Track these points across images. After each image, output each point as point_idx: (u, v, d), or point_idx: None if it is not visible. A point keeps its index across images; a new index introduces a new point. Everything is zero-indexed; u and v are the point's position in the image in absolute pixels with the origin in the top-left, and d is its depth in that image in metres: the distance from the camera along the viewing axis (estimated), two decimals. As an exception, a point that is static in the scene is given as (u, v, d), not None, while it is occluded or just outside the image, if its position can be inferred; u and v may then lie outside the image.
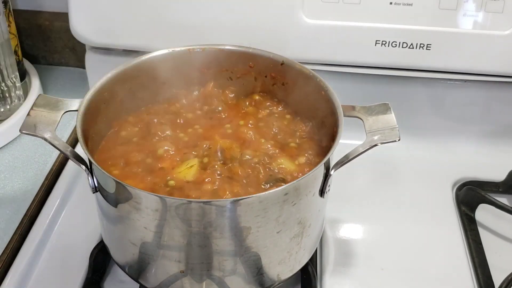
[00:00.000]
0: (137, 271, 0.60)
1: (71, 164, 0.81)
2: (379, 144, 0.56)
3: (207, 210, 0.52)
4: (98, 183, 0.57)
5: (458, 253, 0.70)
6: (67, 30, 0.83)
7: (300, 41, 0.77)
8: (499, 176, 0.79)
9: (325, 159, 0.55)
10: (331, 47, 0.77)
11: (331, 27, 0.76)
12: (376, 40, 0.76)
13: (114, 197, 0.55)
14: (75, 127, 0.59)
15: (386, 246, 0.71)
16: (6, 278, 0.66)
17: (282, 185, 0.54)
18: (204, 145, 0.63)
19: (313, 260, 0.65)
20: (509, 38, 0.74)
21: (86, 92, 0.61)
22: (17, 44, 0.89)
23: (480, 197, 0.74)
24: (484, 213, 0.75)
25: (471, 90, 0.82)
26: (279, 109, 0.70)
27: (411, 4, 0.74)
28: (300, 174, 0.60)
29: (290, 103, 0.70)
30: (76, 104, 0.60)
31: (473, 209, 0.75)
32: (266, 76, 0.70)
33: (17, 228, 0.71)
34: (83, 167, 0.57)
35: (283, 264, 0.60)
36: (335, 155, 0.57)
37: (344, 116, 0.59)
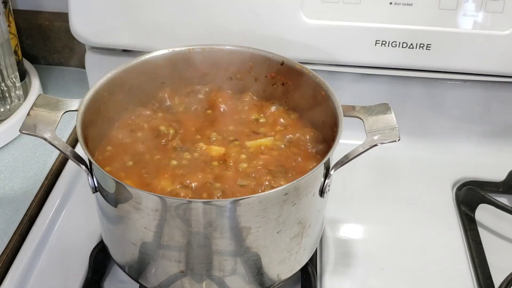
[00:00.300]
0: (137, 271, 0.60)
1: (71, 164, 0.81)
2: (379, 144, 0.56)
3: (207, 210, 0.52)
4: (98, 183, 0.57)
5: (458, 253, 0.70)
6: (67, 30, 0.83)
7: (300, 41, 0.77)
8: (499, 176, 0.79)
9: (325, 159, 0.55)
10: (331, 47, 0.77)
11: (331, 27, 0.76)
12: (376, 40, 0.76)
13: (114, 197, 0.55)
14: (75, 127, 0.59)
15: (386, 246, 0.71)
16: (6, 278, 0.66)
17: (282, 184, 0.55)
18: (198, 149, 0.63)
19: (313, 260, 0.65)
20: (509, 38, 0.74)
21: (86, 92, 0.61)
22: (17, 44, 0.89)
23: (480, 197, 0.74)
24: (484, 213, 0.75)
25: (471, 90, 0.82)
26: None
27: (411, 4, 0.74)
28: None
29: (290, 103, 0.70)
30: (76, 104, 0.60)
31: (473, 209, 0.75)
32: (266, 76, 0.70)
33: (17, 228, 0.71)
34: (83, 167, 0.57)
35: (283, 264, 0.60)
36: (335, 155, 0.57)
37: (344, 116, 0.59)
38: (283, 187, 0.53)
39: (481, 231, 0.73)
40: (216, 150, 0.63)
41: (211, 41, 0.70)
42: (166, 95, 0.70)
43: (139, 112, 0.69)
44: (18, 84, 0.86)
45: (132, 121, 0.68)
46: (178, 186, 0.58)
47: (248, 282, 0.58)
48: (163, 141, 0.64)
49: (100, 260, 0.67)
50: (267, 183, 0.58)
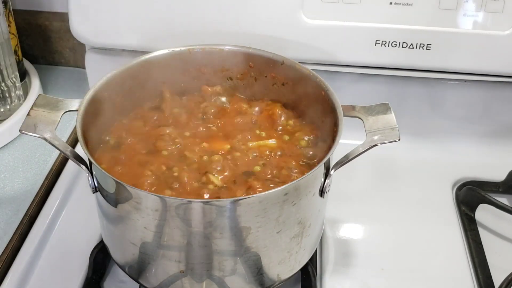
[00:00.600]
0: (137, 271, 0.60)
1: (71, 164, 0.81)
2: (379, 144, 0.56)
3: (207, 210, 0.52)
4: (98, 183, 0.57)
5: (458, 253, 0.70)
6: (67, 30, 0.83)
7: (300, 41, 0.76)
8: (499, 176, 0.79)
9: (325, 159, 0.55)
10: (331, 47, 0.77)
11: (331, 27, 0.75)
12: (376, 40, 0.76)
13: (114, 197, 0.55)
14: (75, 127, 0.59)
15: (386, 246, 0.71)
16: (6, 278, 0.66)
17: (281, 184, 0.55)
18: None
19: (313, 260, 0.65)
20: (509, 38, 0.74)
21: (86, 92, 0.61)
22: (17, 44, 0.89)
23: (480, 197, 0.74)
24: (484, 213, 0.75)
25: (471, 90, 0.82)
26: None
27: (411, 4, 0.74)
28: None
29: (290, 103, 0.70)
30: (76, 104, 0.60)
31: (473, 209, 0.75)
32: (266, 76, 0.70)
33: (17, 228, 0.71)
34: (83, 167, 0.57)
35: (283, 264, 0.60)
36: (335, 155, 0.57)
37: (344, 116, 0.59)
38: (283, 187, 0.53)
39: (481, 231, 0.73)
40: (220, 145, 0.63)
41: (211, 41, 0.70)
42: (166, 95, 0.70)
43: (139, 112, 0.69)
44: (18, 84, 0.86)
45: (132, 121, 0.68)
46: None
47: (248, 282, 0.58)
48: (163, 141, 0.64)
49: (100, 260, 0.67)
50: (276, 171, 0.59)
